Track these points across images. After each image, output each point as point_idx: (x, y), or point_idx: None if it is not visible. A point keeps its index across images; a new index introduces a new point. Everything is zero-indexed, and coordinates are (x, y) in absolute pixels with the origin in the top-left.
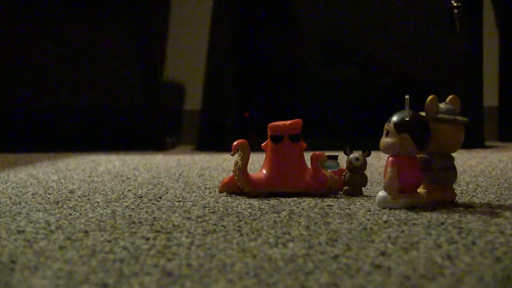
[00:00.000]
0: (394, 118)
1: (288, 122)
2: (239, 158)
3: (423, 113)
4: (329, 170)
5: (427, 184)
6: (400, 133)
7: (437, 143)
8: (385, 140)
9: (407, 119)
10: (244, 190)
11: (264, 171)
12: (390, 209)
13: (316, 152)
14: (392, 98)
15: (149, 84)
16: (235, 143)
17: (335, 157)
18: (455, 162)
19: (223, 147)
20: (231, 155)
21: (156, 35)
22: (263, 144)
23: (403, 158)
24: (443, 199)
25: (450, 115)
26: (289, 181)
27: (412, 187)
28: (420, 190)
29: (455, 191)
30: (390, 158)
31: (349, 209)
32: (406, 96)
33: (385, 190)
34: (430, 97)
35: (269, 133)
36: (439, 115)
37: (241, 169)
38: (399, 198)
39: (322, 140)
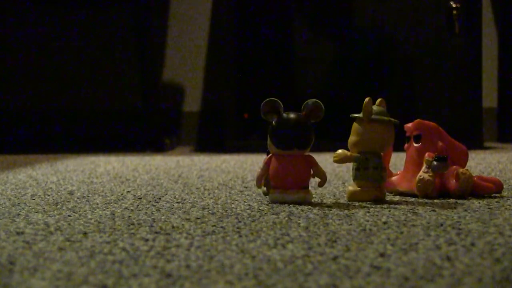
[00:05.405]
0: None
1: (411, 123)
2: None
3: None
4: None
5: (360, 182)
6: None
7: (370, 143)
8: None
9: (271, 121)
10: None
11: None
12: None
13: (428, 152)
14: (391, 99)
15: (148, 85)
16: None
17: (444, 158)
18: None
19: (222, 148)
20: None
21: (156, 36)
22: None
23: (273, 156)
24: (376, 197)
25: (384, 116)
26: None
27: (284, 184)
28: (354, 187)
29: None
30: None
31: (348, 210)
32: (274, 98)
33: None
34: (366, 99)
35: (409, 133)
36: (373, 117)
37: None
38: (271, 193)
39: (322, 141)
